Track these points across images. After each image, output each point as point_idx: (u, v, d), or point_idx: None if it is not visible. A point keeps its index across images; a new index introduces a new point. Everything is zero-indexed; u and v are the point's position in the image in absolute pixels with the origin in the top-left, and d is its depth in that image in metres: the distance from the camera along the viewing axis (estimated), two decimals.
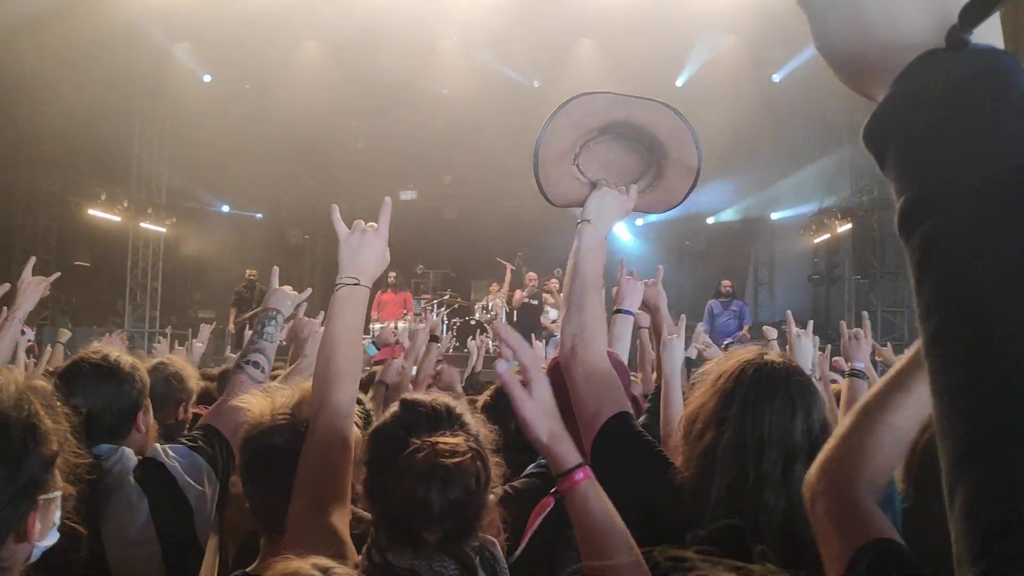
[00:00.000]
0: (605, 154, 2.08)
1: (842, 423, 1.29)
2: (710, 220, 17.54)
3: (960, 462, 0.51)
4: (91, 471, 2.02)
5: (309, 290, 2.99)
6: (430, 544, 1.50)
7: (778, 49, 13.68)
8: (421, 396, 1.66)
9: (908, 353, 1.22)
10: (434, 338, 5.28)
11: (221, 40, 14.29)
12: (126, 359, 2.34)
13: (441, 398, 1.68)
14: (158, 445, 2.31)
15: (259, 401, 1.91)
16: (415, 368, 4.79)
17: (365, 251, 1.97)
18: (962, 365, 0.52)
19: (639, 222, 17.41)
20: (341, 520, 1.72)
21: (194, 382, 3.31)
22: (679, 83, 15.04)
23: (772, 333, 5.10)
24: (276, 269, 2.92)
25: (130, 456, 2.23)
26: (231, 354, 7.61)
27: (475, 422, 1.65)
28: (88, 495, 1.99)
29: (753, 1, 12.06)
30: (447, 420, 1.60)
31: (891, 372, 1.24)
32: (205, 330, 5.61)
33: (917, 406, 1.20)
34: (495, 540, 1.63)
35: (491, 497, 1.61)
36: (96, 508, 2.06)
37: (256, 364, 2.56)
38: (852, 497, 1.22)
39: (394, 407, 1.66)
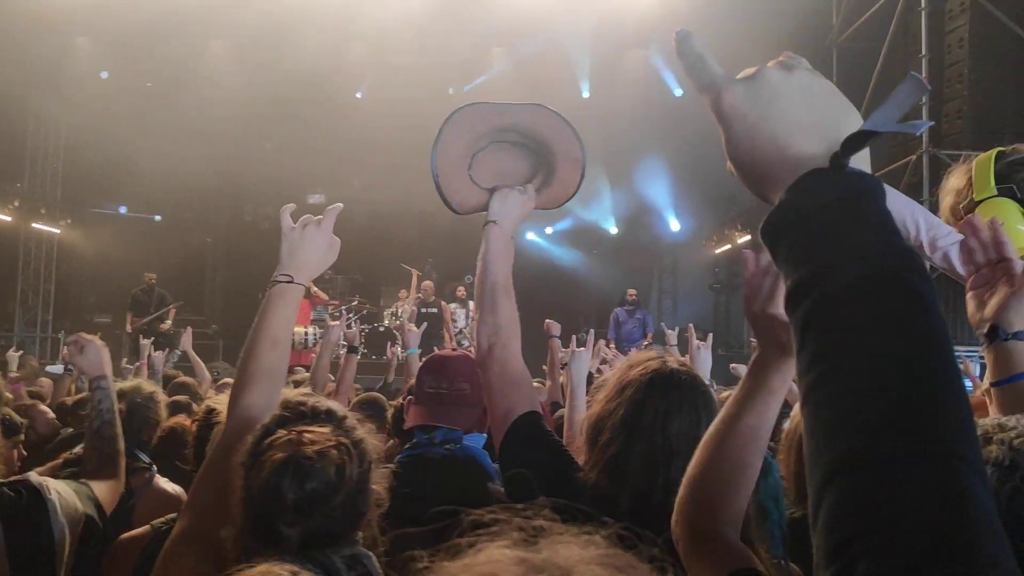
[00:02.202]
0: (494, 163, 2.12)
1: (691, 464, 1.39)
2: (613, 231, 17.88)
3: (825, 485, 0.63)
4: None
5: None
6: (292, 544, 1.43)
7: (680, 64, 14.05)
8: (305, 398, 1.60)
9: (733, 393, 1.37)
10: (352, 349, 5.14)
11: (121, 36, 13.76)
12: None
13: (326, 401, 1.61)
14: (33, 473, 2.19)
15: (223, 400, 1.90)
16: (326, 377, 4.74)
17: (306, 247, 1.89)
18: (831, 408, 0.66)
19: (548, 231, 17.62)
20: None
21: (164, 406, 3.60)
22: (585, 95, 15.29)
23: (673, 339, 5.25)
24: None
25: None
26: (127, 364, 7.25)
27: (364, 431, 1.59)
28: None
29: (661, 16, 12.36)
30: (325, 418, 1.55)
31: (722, 411, 1.38)
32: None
33: (748, 432, 1.33)
34: (371, 554, 1.52)
35: (374, 509, 1.57)
36: None
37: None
38: (707, 535, 1.32)
39: (276, 408, 1.60)
